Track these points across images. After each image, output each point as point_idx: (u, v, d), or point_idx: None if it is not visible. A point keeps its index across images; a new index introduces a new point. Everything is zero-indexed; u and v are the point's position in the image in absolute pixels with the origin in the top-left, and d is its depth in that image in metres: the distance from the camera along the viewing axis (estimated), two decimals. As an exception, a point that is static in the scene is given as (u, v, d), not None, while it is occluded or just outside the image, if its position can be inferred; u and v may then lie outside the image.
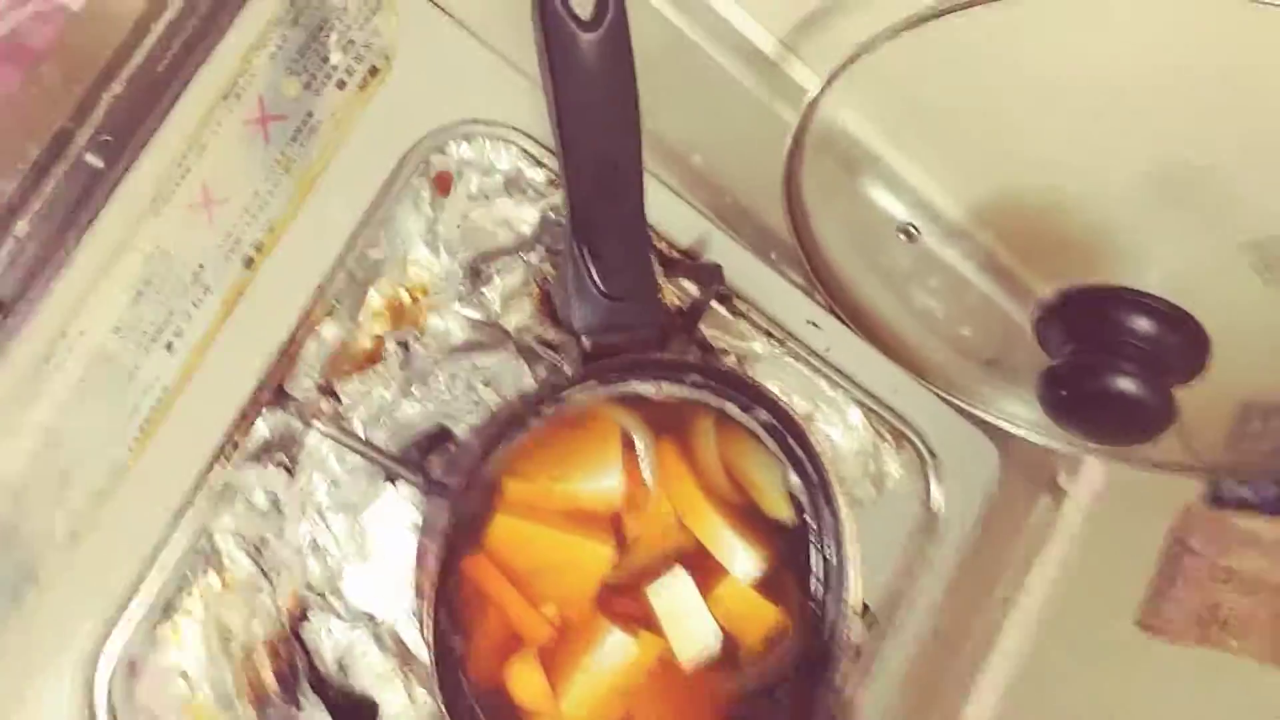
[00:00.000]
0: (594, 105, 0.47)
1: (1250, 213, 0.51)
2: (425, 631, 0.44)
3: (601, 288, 0.48)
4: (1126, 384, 0.53)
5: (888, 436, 0.68)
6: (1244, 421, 0.64)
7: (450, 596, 0.47)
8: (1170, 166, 0.51)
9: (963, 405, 0.70)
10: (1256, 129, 0.48)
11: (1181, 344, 0.54)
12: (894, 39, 0.48)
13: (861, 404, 0.67)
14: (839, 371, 0.66)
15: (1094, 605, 0.71)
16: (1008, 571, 0.75)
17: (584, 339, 0.48)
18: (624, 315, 0.49)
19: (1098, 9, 0.45)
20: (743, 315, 0.63)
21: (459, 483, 0.45)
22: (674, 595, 0.50)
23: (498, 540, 0.48)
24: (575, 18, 0.46)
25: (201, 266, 0.51)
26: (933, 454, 0.68)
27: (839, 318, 0.66)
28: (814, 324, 0.65)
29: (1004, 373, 0.67)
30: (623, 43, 0.47)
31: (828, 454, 0.65)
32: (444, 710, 0.45)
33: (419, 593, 0.49)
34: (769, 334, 0.64)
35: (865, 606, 0.67)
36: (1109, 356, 0.54)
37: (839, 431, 0.67)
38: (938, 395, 0.69)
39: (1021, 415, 0.69)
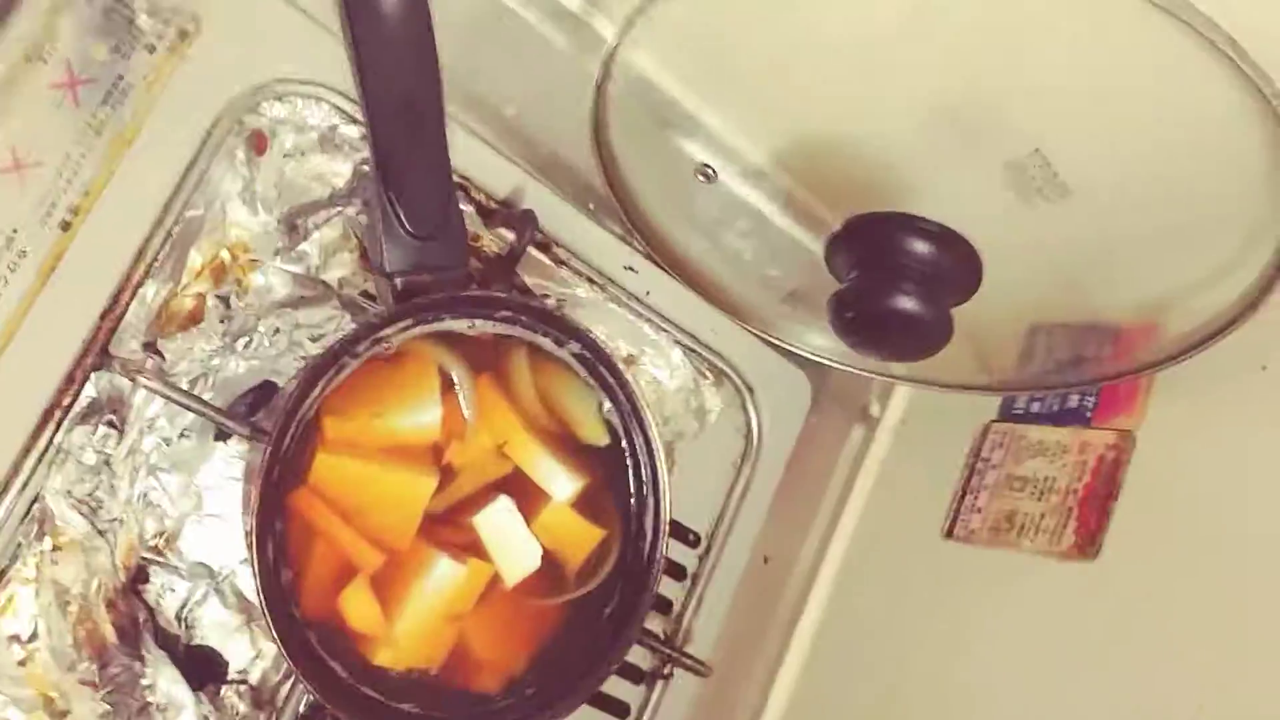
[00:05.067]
0: (392, 48, 0.48)
1: (1007, 136, 0.56)
2: (251, 565, 0.46)
3: (409, 229, 0.50)
4: (906, 303, 0.58)
5: (708, 373, 0.72)
6: (1031, 342, 0.70)
7: (277, 531, 0.49)
8: (941, 102, 0.56)
9: (775, 340, 0.74)
10: (1009, 60, 0.53)
11: (955, 263, 0.59)
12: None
13: (682, 344, 0.71)
14: (659, 315, 0.70)
15: (905, 520, 0.77)
16: (828, 496, 0.80)
17: (395, 279, 0.50)
18: (432, 255, 0.51)
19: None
20: (564, 263, 0.66)
21: (278, 422, 0.47)
22: (498, 522, 0.53)
23: (321, 477, 0.50)
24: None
25: (15, 231, 0.52)
26: (750, 388, 0.73)
27: (656, 263, 0.70)
28: (632, 269, 0.69)
29: (807, 306, 0.72)
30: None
31: (651, 393, 0.69)
32: (277, 641, 0.47)
33: (248, 536, 0.51)
34: (590, 280, 0.67)
35: (696, 535, 0.71)
36: (889, 278, 0.58)
37: (663, 372, 0.71)
38: (752, 332, 0.73)
39: (826, 346, 0.74)
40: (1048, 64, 0.52)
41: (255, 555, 0.46)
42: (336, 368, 0.49)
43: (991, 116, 0.56)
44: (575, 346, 0.55)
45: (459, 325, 0.53)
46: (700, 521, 0.72)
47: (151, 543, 0.56)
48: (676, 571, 0.70)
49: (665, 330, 0.70)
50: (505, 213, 0.62)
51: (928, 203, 0.60)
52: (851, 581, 0.78)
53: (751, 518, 0.73)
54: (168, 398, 0.52)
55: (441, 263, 0.51)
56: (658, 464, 0.56)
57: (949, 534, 0.74)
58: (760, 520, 0.74)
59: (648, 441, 0.56)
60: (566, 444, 0.56)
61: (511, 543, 0.53)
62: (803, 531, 0.80)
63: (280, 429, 0.47)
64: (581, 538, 0.56)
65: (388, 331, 0.50)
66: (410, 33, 0.47)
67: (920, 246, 0.58)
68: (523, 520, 0.54)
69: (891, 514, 0.79)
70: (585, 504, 0.56)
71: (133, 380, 0.52)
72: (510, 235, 0.63)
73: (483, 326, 0.54)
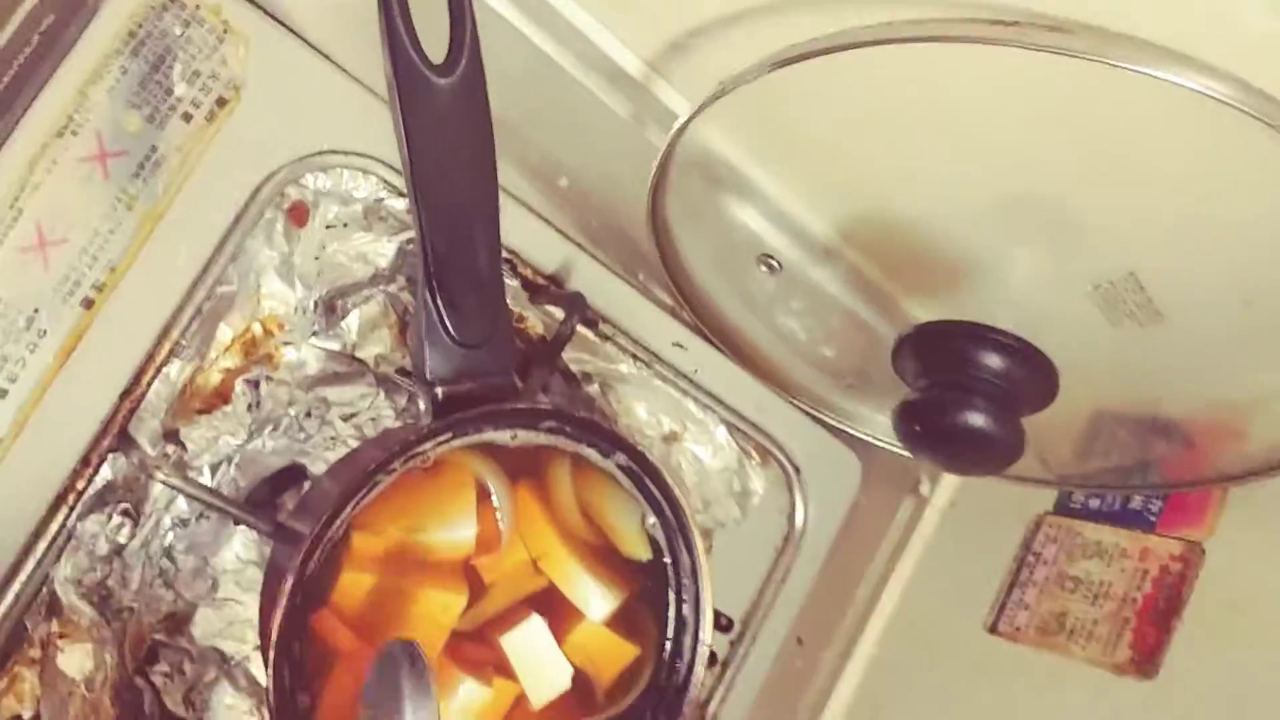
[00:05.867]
0: (448, 153, 0.46)
1: (1097, 256, 0.52)
2: (268, 693, 0.43)
3: (455, 336, 0.47)
4: (977, 419, 0.54)
5: (753, 453, 0.69)
6: (1093, 437, 0.67)
7: (296, 654, 0.46)
8: (1022, 200, 0.52)
9: (827, 420, 0.71)
10: (1102, 176, 0.49)
11: (1032, 378, 0.56)
12: (759, 77, 0.48)
13: (728, 423, 0.67)
14: (705, 392, 0.66)
15: (947, 609, 0.74)
16: (869, 576, 0.77)
17: (437, 388, 0.47)
18: (477, 362, 0.48)
19: (958, 56, 0.45)
20: (609, 339, 0.63)
21: (303, 546, 0.44)
22: (528, 643, 0.50)
23: (345, 596, 0.47)
24: (428, 63, 0.45)
25: (37, 310, 0.49)
26: (797, 469, 0.69)
27: (706, 338, 0.67)
28: (680, 345, 0.65)
29: (864, 388, 0.69)
30: (478, 89, 0.46)
31: (693, 473, 0.66)
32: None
33: (263, 638, 0.48)
34: (635, 356, 0.64)
35: (729, 620, 0.68)
36: (961, 392, 0.55)
37: (706, 450, 0.67)
38: (803, 410, 0.70)
39: (883, 427, 0.70)
40: (1145, 179, 0.48)
41: (272, 683, 0.44)
42: (370, 486, 0.46)
43: (1082, 227, 0.52)
44: (621, 458, 0.52)
45: (501, 437, 0.50)
46: (735, 606, 0.69)
47: (162, 625, 0.54)
48: (708, 658, 0.68)
49: (710, 408, 0.67)
50: (553, 292, 0.59)
51: (1005, 309, 0.56)
52: (885, 670, 0.75)
53: (790, 603, 0.70)
54: (188, 495, 0.49)
55: (486, 370, 0.48)
56: (701, 583, 0.53)
57: (993, 629, 0.71)
58: (798, 606, 0.71)
59: (692, 560, 0.53)
60: (605, 558, 0.53)
61: (541, 664, 0.51)
62: (839, 612, 0.77)
63: (306, 554, 0.44)
64: (615, 655, 0.53)
65: (425, 447, 0.47)
66: (469, 134, 0.44)
67: (997, 361, 0.54)
68: (554, 641, 0.51)
69: (933, 601, 0.76)
70: (621, 618, 0.53)
71: (151, 477, 0.49)
72: (556, 312, 0.60)
73: (526, 438, 0.50)
